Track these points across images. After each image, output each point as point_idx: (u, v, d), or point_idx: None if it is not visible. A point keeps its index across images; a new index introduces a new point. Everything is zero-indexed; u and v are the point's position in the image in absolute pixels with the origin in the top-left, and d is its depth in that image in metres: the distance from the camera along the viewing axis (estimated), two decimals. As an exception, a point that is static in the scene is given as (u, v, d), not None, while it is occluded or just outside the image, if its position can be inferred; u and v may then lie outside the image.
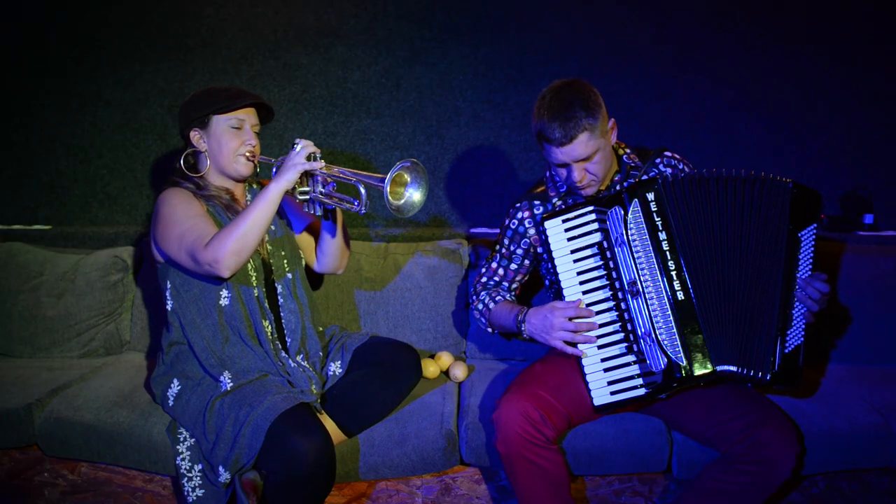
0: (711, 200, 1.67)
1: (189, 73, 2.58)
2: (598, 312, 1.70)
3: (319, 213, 1.78)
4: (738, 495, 1.60)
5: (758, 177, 1.67)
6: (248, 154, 1.83)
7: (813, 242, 1.67)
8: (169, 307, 1.83)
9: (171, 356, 1.83)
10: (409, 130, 2.61)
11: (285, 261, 1.91)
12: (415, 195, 1.64)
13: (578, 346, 1.70)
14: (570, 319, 1.69)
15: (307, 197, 1.74)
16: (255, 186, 1.98)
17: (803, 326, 1.65)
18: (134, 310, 2.33)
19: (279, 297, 1.88)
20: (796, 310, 1.65)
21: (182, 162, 1.84)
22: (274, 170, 1.80)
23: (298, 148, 1.67)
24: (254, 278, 1.82)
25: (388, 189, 1.55)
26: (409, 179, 1.63)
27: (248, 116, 1.83)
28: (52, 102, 2.60)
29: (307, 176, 1.72)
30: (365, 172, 1.64)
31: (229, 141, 1.81)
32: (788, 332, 1.64)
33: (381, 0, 2.54)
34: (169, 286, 1.82)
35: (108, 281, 2.28)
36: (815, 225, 1.67)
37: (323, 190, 1.72)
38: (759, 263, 1.66)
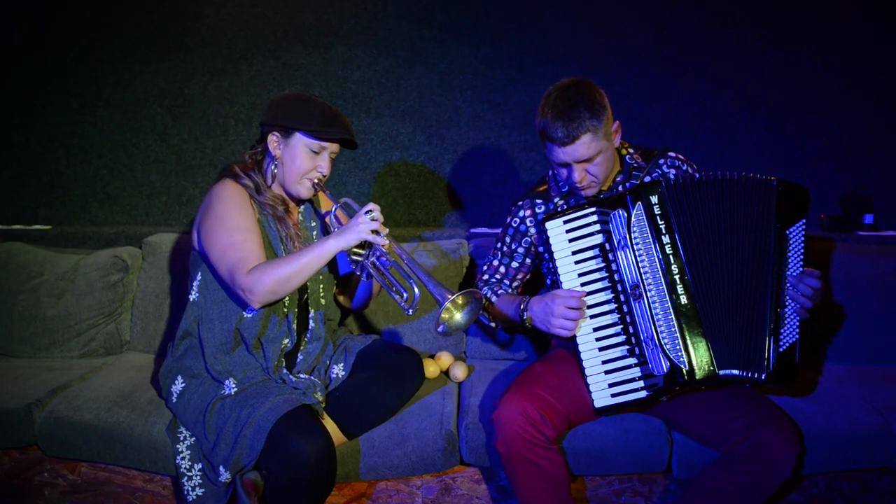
0: (709, 203, 1.67)
1: (189, 73, 2.59)
2: (599, 314, 1.71)
3: (364, 278, 1.76)
4: (738, 495, 1.60)
5: (745, 177, 1.67)
6: (315, 180, 1.78)
7: (802, 239, 1.66)
8: (192, 297, 1.81)
9: (182, 349, 1.83)
10: (409, 130, 2.61)
11: (321, 285, 1.90)
12: (459, 318, 1.62)
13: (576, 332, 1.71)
14: (571, 309, 1.69)
15: (359, 260, 1.73)
16: (309, 204, 1.94)
17: (797, 324, 1.65)
18: (134, 310, 2.32)
19: (310, 321, 1.87)
20: (789, 307, 1.65)
21: (252, 158, 1.81)
22: (334, 209, 1.79)
23: (367, 218, 1.63)
24: (287, 299, 1.79)
25: (446, 306, 1.53)
26: (463, 303, 1.61)
27: (330, 145, 1.77)
28: (52, 102, 2.60)
29: (367, 242, 1.67)
30: (424, 270, 1.60)
31: (303, 162, 1.76)
32: (782, 330, 1.64)
33: (381, 0, 2.54)
34: (199, 277, 1.80)
35: (108, 281, 2.28)
36: (804, 221, 1.66)
37: (376, 262, 1.70)
38: (752, 264, 1.66)
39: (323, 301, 1.90)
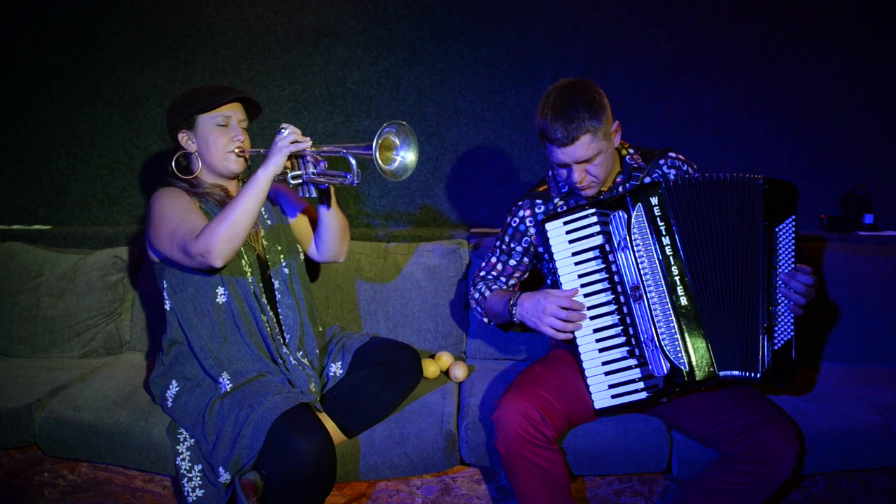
0: (706, 203, 1.67)
1: (189, 73, 2.59)
2: (599, 315, 1.70)
3: (314, 194, 1.77)
4: (738, 495, 1.60)
5: (734, 177, 1.67)
6: (237, 150, 1.82)
7: (793, 235, 1.66)
8: (167, 307, 1.83)
9: (171, 357, 1.83)
10: (409, 130, 2.61)
11: (281, 255, 1.90)
12: (408, 156, 1.64)
13: (571, 332, 1.70)
14: (563, 309, 1.69)
15: (300, 181, 1.73)
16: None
17: (792, 320, 1.64)
18: (134, 310, 2.33)
19: (276, 293, 1.87)
20: (782, 305, 1.64)
21: (174, 164, 1.84)
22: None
23: (285, 133, 1.66)
24: (249, 274, 1.82)
25: (378, 155, 1.54)
26: (398, 143, 1.63)
27: (234, 112, 1.83)
28: (52, 102, 2.60)
29: (297, 158, 1.71)
30: (353, 144, 1.64)
31: (217, 139, 1.80)
32: (776, 328, 1.64)
33: (381, 0, 2.54)
34: (165, 286, 1.82)
35: (108, 281, 2.28)
36: (793, 217, 1.66)
37: (314, 171, 1.71)
38: (745, 263, 1.66)
39: (286, 270, 1.89)
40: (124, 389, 1.94)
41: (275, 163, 1.65)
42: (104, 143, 2.62)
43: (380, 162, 1.55)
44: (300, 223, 2.01)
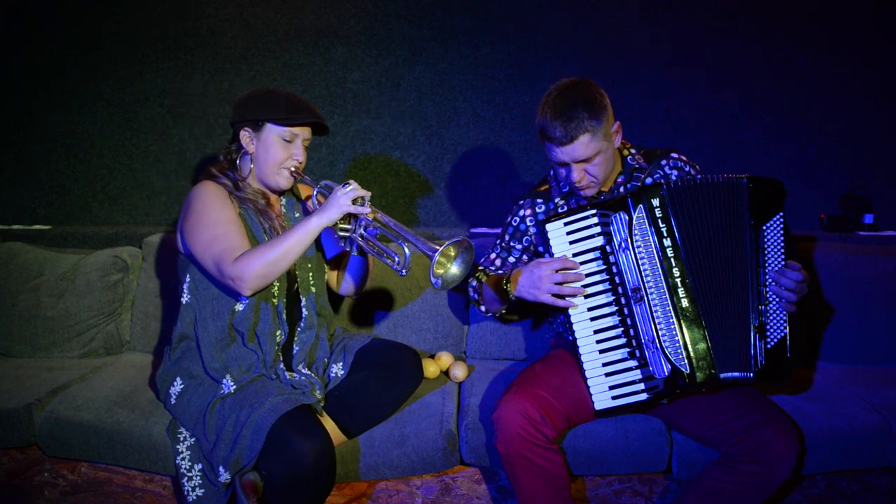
0: (703, 205, 1.67)
1: (189, 73, 2.59)
2: (600, 316, 1.70)
3: (355, 252, 1.76)
4: (738, 495, 1.60)
5: (724, 177, 1.66)
6: (292, 169, 1.80)
7: (781, 233, 1.65)
8: (184, 300, 1.82)
9: (179, 352, 1.83)
10: (409, 130, 2.61)
11: (310, 273, 1.89)
12: (454, 269, 1.61)
13: (568, 298, 1.70)
14: (558, 272, 1.68)
15: (347, 235, 1.72)
16: (291, 196, 1.95)
17: (785, 318, 1.64)
18: (134, 310, 2.33)
19: (303, 310, 1.87)
20: (773, 303, 1.64)
21: (226, 158, 1.82)
22: (315, 192, 1.78)
23: (348, 189, 1.64)
24: (276, 288, 1.80)
25: (436, 259, 1.52)
26: (454, 254, 1.60)
27: (302, 132, 1.80)
28: (52, 102, 2.60)
29: (350, 216, 1.69)
30: (412, 231, 1.60)
31: (277, 152, 1.78)
32: (768, 327, 1.64)
33: (381, 0, 2.54)
34: (188, 280, 1.81)
35: (108, 281, 2.28)
36: (781, 215, 1.65)
37: (364, 234, 1.70)
38: (736, 264, 1.65)
39: (313, 289, 1.89)
40: (124, 389, 1.94)
41: (328, 217, 1.64)
42: (104, 143, 2.62)
43: (434, 267, 1.54)
44: (333, 258, 2.01)
